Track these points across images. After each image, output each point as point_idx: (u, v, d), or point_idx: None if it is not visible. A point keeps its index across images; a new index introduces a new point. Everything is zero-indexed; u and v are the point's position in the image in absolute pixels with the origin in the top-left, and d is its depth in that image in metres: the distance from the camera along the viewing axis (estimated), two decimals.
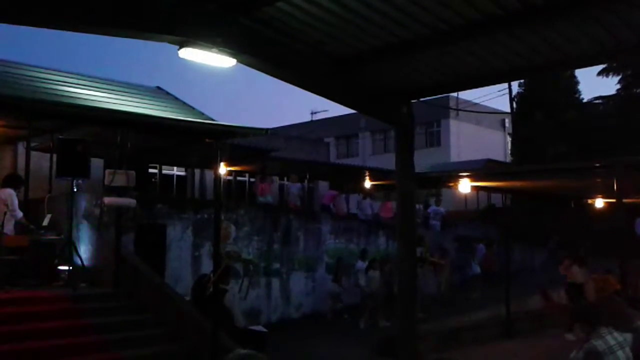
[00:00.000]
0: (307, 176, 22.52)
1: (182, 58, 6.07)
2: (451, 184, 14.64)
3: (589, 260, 13.86)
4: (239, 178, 23.22)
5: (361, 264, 16.09)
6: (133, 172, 10.28)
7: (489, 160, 29.55)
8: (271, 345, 10.08)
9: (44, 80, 13.36)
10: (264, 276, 15.34)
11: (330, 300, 16.06)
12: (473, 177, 13.33)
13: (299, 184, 20.34)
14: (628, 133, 22.91)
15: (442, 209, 22.59)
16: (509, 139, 34.29)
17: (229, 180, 21.53)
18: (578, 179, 12.25)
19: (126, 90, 15.30)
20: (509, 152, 32.55)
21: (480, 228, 23.02)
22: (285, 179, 22.10)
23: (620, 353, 4.30)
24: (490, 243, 20.11)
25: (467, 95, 32.39)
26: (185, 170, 21.64)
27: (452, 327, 13.10)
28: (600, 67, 26.95)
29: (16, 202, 10.43)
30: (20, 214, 10.42)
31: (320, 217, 18.02)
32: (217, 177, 11.01)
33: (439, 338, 12.08)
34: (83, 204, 11.83)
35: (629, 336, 4.68)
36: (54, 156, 11.34)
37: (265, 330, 11.24)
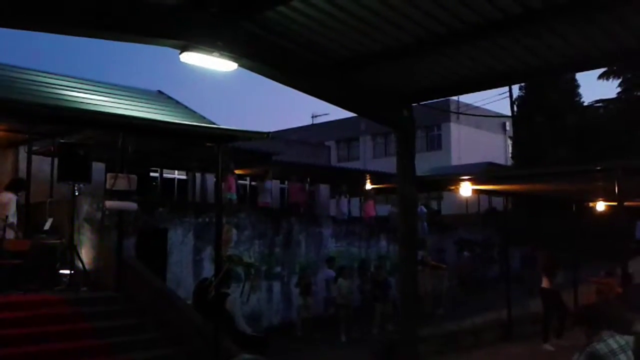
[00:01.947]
0: (309, 179, 22.55)
1: (183, 62, 6.08)
2: (452, 188, 14.63)
3: (555, 269, 13.41)
4: (240, 182, 23.23)
5: (328, 273, 15.62)
6: (134, 176, 10.29)
7: (490, 164, 29.56)
8: (272, 349, 10.08)
9: (46, 85, 13.39)
10: (265, 280, 15.33)
11: (301, 312, 14.97)
12: (474, 181, 13.32)
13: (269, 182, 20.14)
14: (629, 136, 22.92)
15: (424, 209, 22.52)
16: (509, 142, 34.32)
17: None
18: (579, 182, 12.24)
19: (127, 94, 15.32)
20: (510, 155, 32.59)
21: (481, 232, 23.03)
22: (286, 182, 22.17)
23: (622, 356, 4.29)
24: (464, 248, 20.03)
25: (467, 98, 32.37)
26: (187, 174, 21.65)
27: (452, 330, 13.08)
28: (601, 70, 26.98)
29: (14, 208, 10.40)
30: (10, 221, 10.34)
31: (321, 220, 18.03)
32: (218, 181, 11.00)
33: (439, 342, 12.06)
34: (84, 207, 11.84)
35: (630, 339, 4.68)
36: (56, 160, 11.35)
37: (261, 335, 11.20)
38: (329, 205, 26.46)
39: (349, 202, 22.93)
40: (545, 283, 12.65)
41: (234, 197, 18.02)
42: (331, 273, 15.52)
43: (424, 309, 15.27)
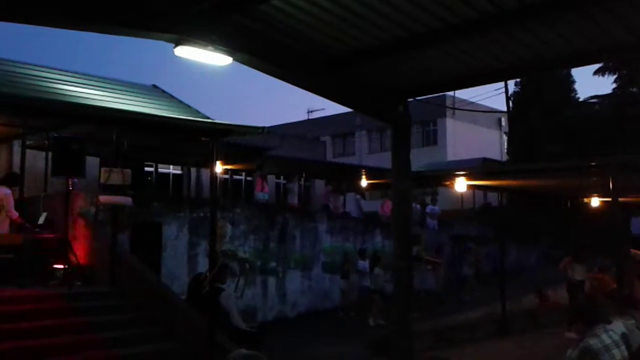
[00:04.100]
0: (304, 175, 22.54)
1: (178, 56, 6.05)
2: (447, 183, 14.64)
3: (588, 258, 13.94)
4: (235, 177, 23.21)
5: (362, 264, 16.17)
6: (129, 171, 10.25)
7: (485, 159, 29.60)
8: (267, 344, 10.07)
9: (40, 78, 13.35)
10: (260, 275, 15.33)
11: (342, 296, 16.14)
12: (469, 176, 13.33)
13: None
14: (624, 132, 22.97)
15: (437, 208, 22.72)
16: (505, 137, 34.34)
17: (225, 178, 21.52)
18: (574, 178, 12.26)
19: (122, 88, 15.29)
20: (505, 151, 32.61)
21: (476, 227, 23.06)
22: (282, 177, 22.23)
23: (615, 352, 4.30)
24: (477, 242, 20.20)
25: (463, 94, 32.46)
26: (182, 169, 21.61)
27: (446, 325, 13.11)
28: (597, 66, 27.00)
29: (12, 202, 10.37)
30: (15, 214, 10.35)
31: (316, 215, 18.03)
32: (213, 176, 10.98)
33: (433, 337, 12.09)
34: (78, 202, 11.80)
35: (620, 329, 4.71)
36: (49, 154, 11.30)
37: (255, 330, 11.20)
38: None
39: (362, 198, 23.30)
40: (577, 274, 12.91)
41: (266, 196, 18.29)
42: (364, 264, 16.16)
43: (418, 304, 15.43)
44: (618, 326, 4.74)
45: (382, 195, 24.08)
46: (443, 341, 12.12)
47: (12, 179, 11.01)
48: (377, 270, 15.48)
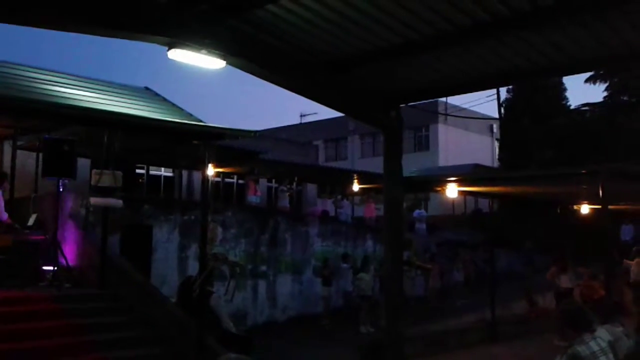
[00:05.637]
0: (296, 179, 22.53)
1: (171, 59, 6.04)
2: (439, 189, 14.69)
3: (571, 266, 13.99)
4: (226, 180, 23.18)
5: (344, 266, 16.12)
6: (120, 173, 10.21)
7: (477, 165, 29.70)
8: (257, 347, 10.06)
9: (31, 79, 13.25)
10: (250, 278, 15.30)
11: (324, 303, 15.87)
12: (460, 182, 13.39)
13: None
14: (614, 140, 23.11)
15: (424, 212, 22.83)
16: (496, 144, 34.48)
17: (217, 181, 21.48)
18: (564, 185, 12.33)
19: (114, 90, 15.19)
20: (497, 157, 32.74)
21: (467, 233, 23.13)
22: (274, 181, 22.26)
23: (603, 359, 4.31)
24: (467, 247, 20.31)
25: (455, 100, 32.44)
26: (173, 171, 21.55)
27: (437, 331, 13.13)
28: (588, 74, 27.17)
29: (2, 202, 10.31)
30: (5, 215, 10.29)
31: (307, 220, 18.02)
32: (204, 179, 10.97)
33: (424, 342, 12.10)
34: (69, 203, 11.75)
35: (607, 337, 4.73)
36: (40, 155, 11.25)
37: (245, 334, 11.19)
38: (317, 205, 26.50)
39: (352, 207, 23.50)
40: (563, 282, 13.01)
41: (258, 200, 18.30)
42: (346, 267, 16.20)
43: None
44: (605, 334, 4.76)
45: (367, 199, 24.09)
46: (433, 346, 12.13)
47: (1, 179, 10.94)
48: (361, 275, 15.30)
